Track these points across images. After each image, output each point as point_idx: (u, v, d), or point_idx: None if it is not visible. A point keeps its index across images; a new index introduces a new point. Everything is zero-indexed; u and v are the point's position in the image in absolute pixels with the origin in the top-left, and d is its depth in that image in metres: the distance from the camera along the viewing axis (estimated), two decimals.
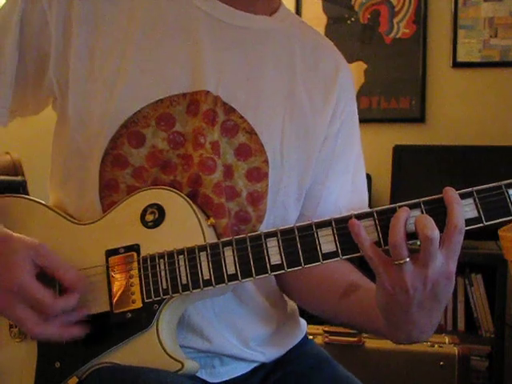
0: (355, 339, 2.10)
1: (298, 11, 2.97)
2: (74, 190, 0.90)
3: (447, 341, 2.09)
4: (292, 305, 1.07)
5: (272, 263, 0.78)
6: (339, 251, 0.77)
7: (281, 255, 0.78)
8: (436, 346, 2.06)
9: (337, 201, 0.99)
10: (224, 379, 0.92)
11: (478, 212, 0.74)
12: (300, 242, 0.78)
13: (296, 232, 0.78)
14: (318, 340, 2.12)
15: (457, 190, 0.75)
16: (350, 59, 2.93)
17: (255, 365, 0.96)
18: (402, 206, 0.75)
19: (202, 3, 0.90)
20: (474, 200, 0.74)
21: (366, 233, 0.75)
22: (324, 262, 0.77)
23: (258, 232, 0.80)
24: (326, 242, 0.77)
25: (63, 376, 0.81)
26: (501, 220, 0.74)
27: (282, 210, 0.94)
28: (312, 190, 0.97)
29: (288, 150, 0.92)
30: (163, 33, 0.88)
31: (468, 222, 0.74)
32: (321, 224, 0.78)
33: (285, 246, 0.78)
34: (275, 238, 0.78)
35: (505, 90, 2.79)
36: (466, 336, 2.44)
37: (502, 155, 2.63)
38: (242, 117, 0.89)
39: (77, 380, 0.80)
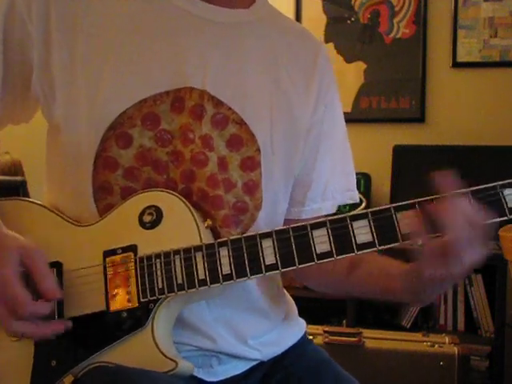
0: (355, 339, 2.10)
1: (298, 11, 2.98)
2: (69, 193, 0.91)
3: (447, 341, 2.09)
4: (291, 304, 1.07)
5: (267, 263, 0.79)
6: (333, 251, 0.78)
7: (275, 255, 0.79)
8: (436, 345, 2.07)
9: (327, 183, 1.02)
10: (220, 378, 0.93)
11: None
12: (295, 243, 0.79)
13: (291, 232, 0.79)
14: (318, 340, 2.12)
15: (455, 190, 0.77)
16: (350, 59, 2.93)
17: (253, 364, 0.96)
18: (396, 206, 0.77)
19: (180, 2, 0.91)
20: (470, 201, 0.75)
21: None
22: (318, 261, 0.78)
23: (253, 233, 0.81)
24: (321, 242, 0.78)
25: (59, 374, 0.81)
26: (497, 220, 0.75)
27: (274, 197, 0.95)
28: (302, 174, 1.00)
29: (277, 137, 0.93)
30: (143, 34, 0.88)
31: None
32: (315, 225, 0.79)
33: (279, 247, 0.79)
34: (270, 238, 0.79)
35: (505, 90, 2.78)
36: (465, 336, 2.44)
37: (502, 155, 2.62)
38: (230, 108, 0.90)
39: (72, 378, 0.80)
